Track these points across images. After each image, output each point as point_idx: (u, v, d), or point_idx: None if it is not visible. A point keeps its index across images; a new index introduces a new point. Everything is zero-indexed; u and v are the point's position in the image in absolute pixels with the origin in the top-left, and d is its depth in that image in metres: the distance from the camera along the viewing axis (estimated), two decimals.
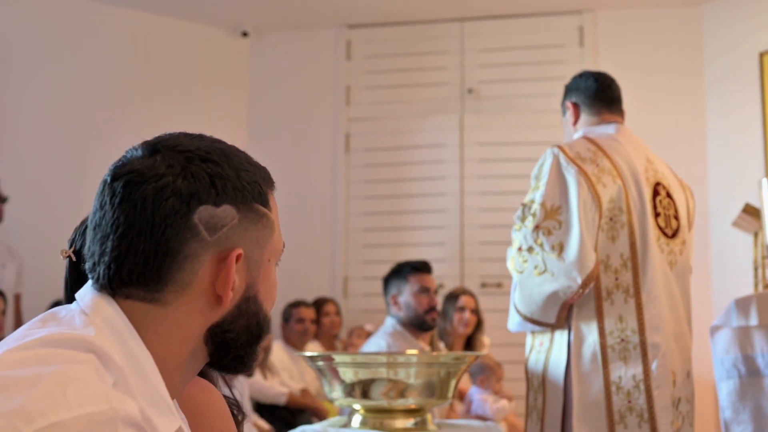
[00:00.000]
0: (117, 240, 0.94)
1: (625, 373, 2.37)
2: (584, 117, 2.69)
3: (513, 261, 2.45)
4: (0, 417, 0.77)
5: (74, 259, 1.32)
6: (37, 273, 4.38)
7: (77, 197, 4.77)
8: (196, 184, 0.95)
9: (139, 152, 0.98)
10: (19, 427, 0.77)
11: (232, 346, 1.00)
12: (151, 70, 5.27)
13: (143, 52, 5.26)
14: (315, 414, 4.27)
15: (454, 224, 5.28)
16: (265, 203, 1.03)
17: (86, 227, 1.35)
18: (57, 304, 3.91)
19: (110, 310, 0.93)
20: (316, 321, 4.79)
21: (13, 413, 0.77)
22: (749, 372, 2.66)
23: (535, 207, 2.41)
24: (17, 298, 4.27)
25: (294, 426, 4.14)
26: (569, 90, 2.74)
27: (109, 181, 0.97)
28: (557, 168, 2.43)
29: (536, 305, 2.42)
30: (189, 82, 5.42)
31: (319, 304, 4.84)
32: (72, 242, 1.33)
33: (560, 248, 2.35)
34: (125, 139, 5.46)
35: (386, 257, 5.20)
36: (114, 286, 0.95)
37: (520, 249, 2.42)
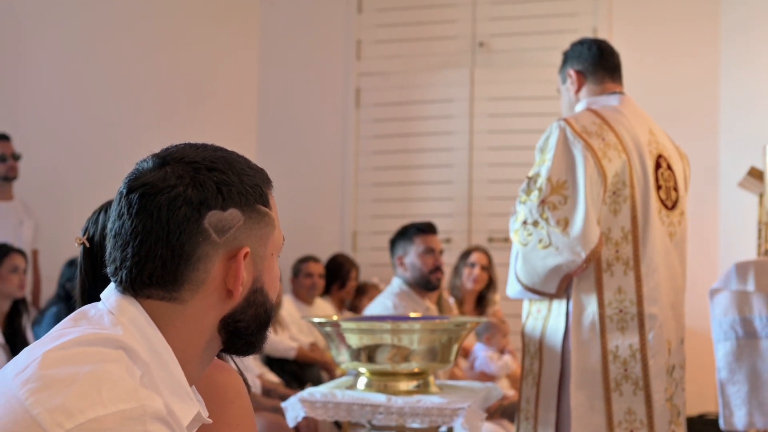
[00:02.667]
0: (137, 247, 1.03)
1: (622, 342, 2.43)
2: (587, 86, 2.68)
3: (517, 234, 2.49)
4: (45, 412, 0.89)
5: (88, 245, 1.39)
6: (52, 229, 4.47)
7: (91, 153, 4.83)
8: (204, 192, 1.04)
9: (150, 164, 1.07)
10: (62, 422, 0.88)
11: (244, 333, 1.10)
12: (164, 24, 5.26)
13: (157, 5, 5.25)
14: (323, 368, 4.37)
15: (462, 179, 5.32)
16: (266, 203, 1.11)
17: (98, 216, 1.42)
18: (72, 262, 4.00)
19: (134, 310, 1.03)
20: (334, 275, 4.85)
21: (56, 409, 0.89)
22: (746, 334, 2.72)
23: (541, 181, 2.43)
24: (34, 254, 4.35)
25: (303, 379, 4.26)
26: (570, 58, 2.72)
27: (125, 193, 1.05)
28: (564, 142, 2.45)
29: (538, 277, 2.46)
30: (201, 37, 5.41)
31: (344, 266, 4.87)
32: (85, 230, 1.42)
33: (565, 223, 2.39)
34: (139, 95, 5.43)
35: (395, 212, 5.26)
36: (136, 288, 1.05)
37: (525, 222, 2.45)
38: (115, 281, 1.07)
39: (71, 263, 4.02)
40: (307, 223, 5.34)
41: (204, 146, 1.09)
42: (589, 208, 2.38)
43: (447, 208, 5.30)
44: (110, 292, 1.07)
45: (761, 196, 3.48)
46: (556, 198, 2.41)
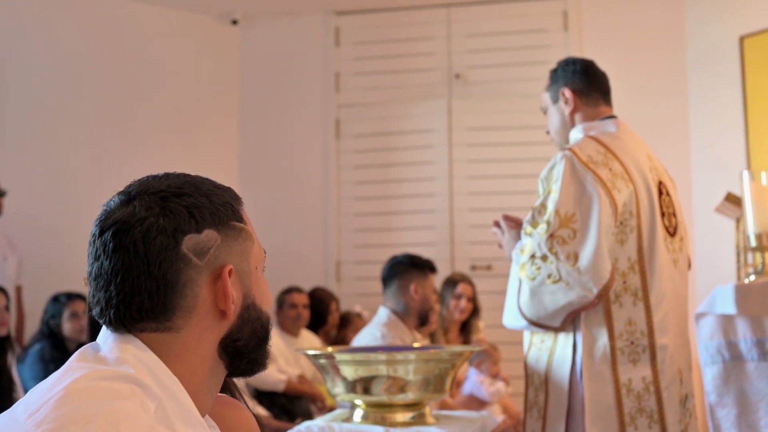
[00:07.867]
0: (119, 284, 1.03)
1: (635, 375, 2.37)
2: (582, 108, 2.58)
3: (524, 267, 2.39)
4: None
5: None
6: (36, 265, 4.44)
7: (75, 189, 4.82)
8: (176, 219, 1.04)
9: (117, 202, 1.06)
10: None
11: (244, 352, 1.10)
12: (142, 59, 5.29)
13: (135, 41, 5.28)
14: (313, 400, 4.36)
15: (443, 208, 5.38)
16: (240, 219, 1.11)
17: None
18: (56, 298, 3.97)
19: (132, 346, 1.02)
20: (314, 310, 4.84)
21: None
22: (732, 357, 2.76)
23: (549, 214, 2.35)
24: (18, 290, 4.30)
25: (292, 412, 4.25)
26: (562, 76, 2.60)
27: (97, 234, 1.05)
28: (572, 173, 2.37)
29: (545, 312, 2.37)
30: (179, 71, 5.44)
31: (324, 301, 4.88)
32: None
33: (575, 258, 2.31)
34: (120, 129, 5.44)
35: (378, 241, 5.31)
36: (127, 325, 1.04)
37: (533, 256, 2.35)
38: (105, 322, 1.05)
39: (55, 300, 3.99)
40: (290, 253, 5.35)
41: (167, 175, 1.10)
42: (602, 242, 2.30)
43: (429, 236, 5.35)
44: (105, 335, 1.06)
45: (738, 220, 3.56)
46: (565, 232, 2.33)
